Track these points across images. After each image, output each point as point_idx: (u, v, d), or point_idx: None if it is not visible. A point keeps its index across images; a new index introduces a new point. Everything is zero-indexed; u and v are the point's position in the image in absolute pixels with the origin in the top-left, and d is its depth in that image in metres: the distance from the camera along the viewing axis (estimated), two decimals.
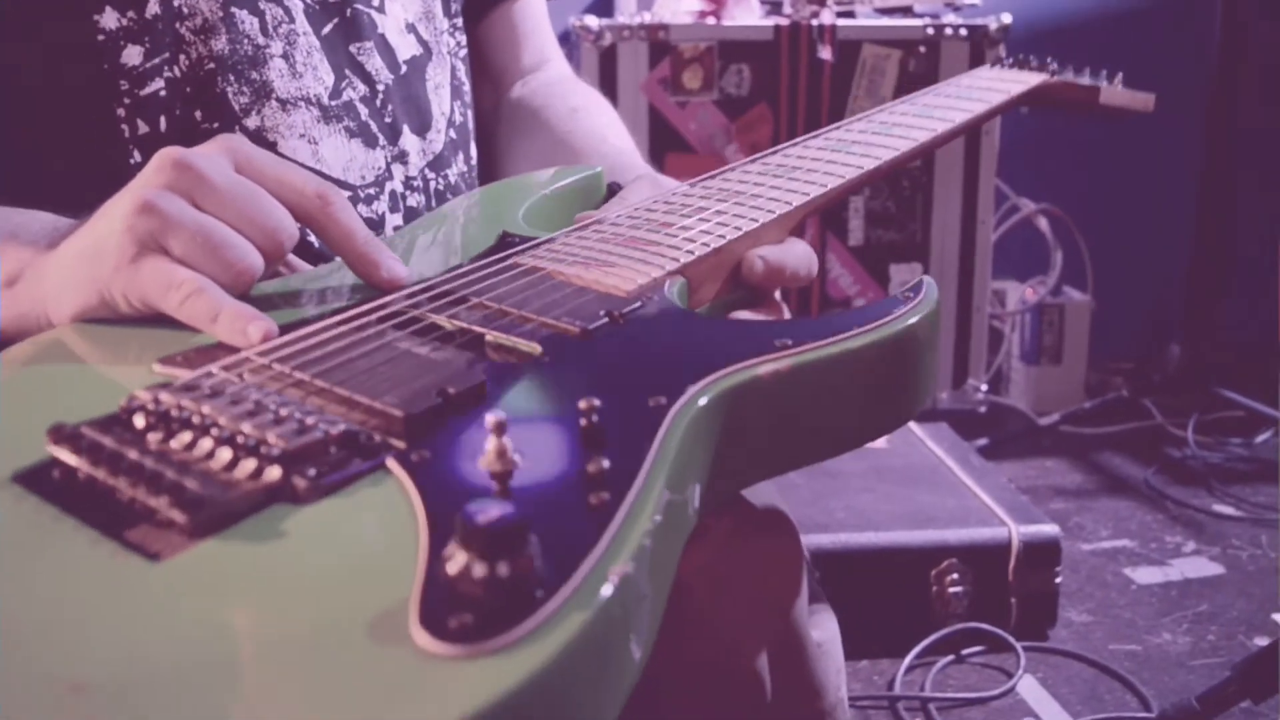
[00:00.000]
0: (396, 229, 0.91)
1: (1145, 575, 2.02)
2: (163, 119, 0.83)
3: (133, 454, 0.51)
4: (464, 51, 1.03)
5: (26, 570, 0.48)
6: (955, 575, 1.78)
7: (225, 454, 0.52)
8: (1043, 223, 2.81)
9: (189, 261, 0.65)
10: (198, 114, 0.84)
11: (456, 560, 0.43)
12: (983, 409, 2.49)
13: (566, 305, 0.68)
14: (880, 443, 2.12)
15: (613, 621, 0.44)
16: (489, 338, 0.64)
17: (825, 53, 2.35)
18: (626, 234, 0.78)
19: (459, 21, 1.02)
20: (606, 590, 0.44)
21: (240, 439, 0.52)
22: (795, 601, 0.80)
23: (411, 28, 0.96)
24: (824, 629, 0.92)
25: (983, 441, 2.50)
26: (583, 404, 0.53)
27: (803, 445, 0.66)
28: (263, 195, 0.68)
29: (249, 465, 0.51)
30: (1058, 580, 1.81)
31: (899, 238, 2.45)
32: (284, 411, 0.54)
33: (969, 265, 2.46)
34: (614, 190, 0.93)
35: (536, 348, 0.63)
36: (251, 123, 0.85)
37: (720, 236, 0.77)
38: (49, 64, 0.82)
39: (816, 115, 2.36)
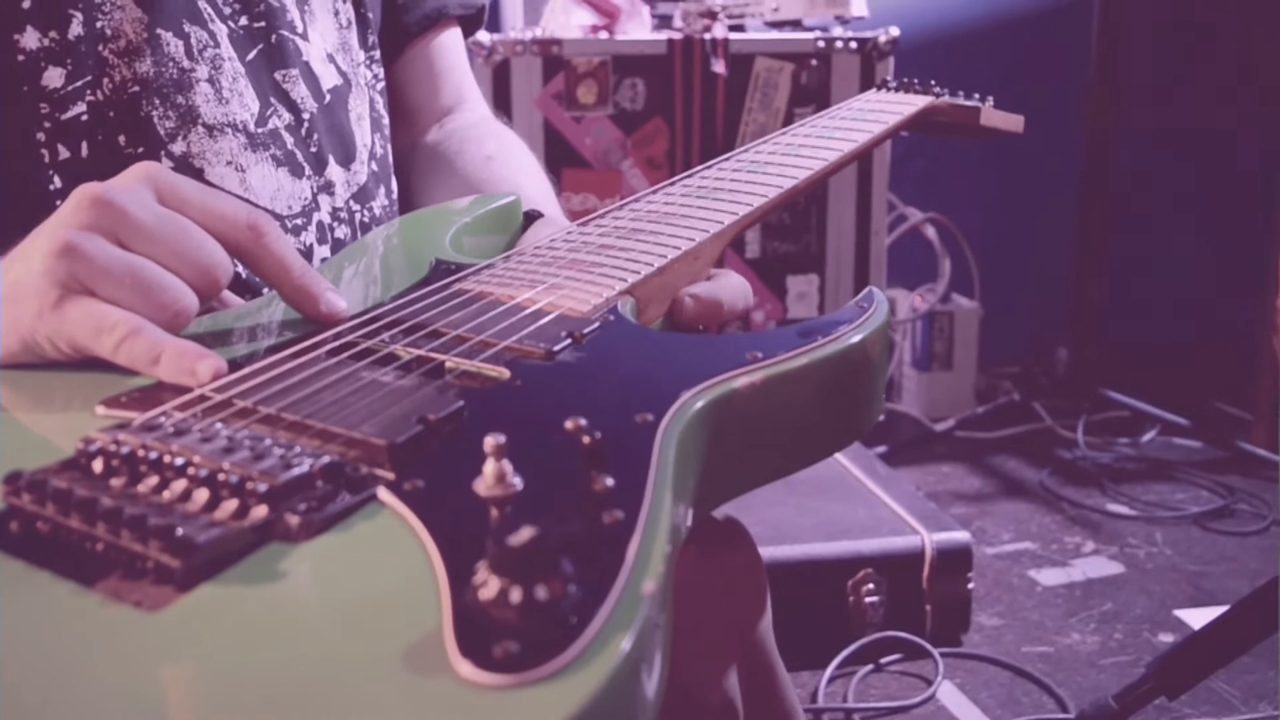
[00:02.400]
0: (324, 261, 0.88)
1: (1049, 577, 2.06)
2: (84, 144, 0.79)
3: (106, 499, 0.48)
4: (381, 85, 1.01)
5: (9, 630, 0.43)
6: (871, 585, 1.79)
7: (202, 494, 0.49)
8: (930, 231, 2.85)
9: (118, 304, 0.61)
10: (121, 139, 0.80)
11: (490, 586, 0.41)
12: (880, 417, 2.51)
13: (524, 328, 0.66)
14: None
15: (650, 640, 0.43)
16: (450, 364, 0.62)
17: (718, 66, 2.35)
18: (566, 257, 0.77)
19: (376, 54, 1.00)
20: (643, 608, 0.42)
21: (220, 477, 0.49)
22: (761, 618, 0.79)
23: (331, 58, 0.94)
24: None
25: (881, 449, 2.53)
26: (570, 424, 0.51)
27: (777, 458, 0.66)
28: (192, 229, 0.64)
29: (230, 505, 0.48)
30: (970, 586, 1.83)
31: (795, 249, 2.46)
32: (260, 446, 0.51)
33: (864, 276, 2.48)
34: (531, 217, 0.92)
35: (504, 372, 0.61)
36: (177, 148, 0.81)
37: (662, 255, 0.76)
38: None
39: (712, 128, 2.36)
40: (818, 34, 2.41)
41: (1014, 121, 1.12)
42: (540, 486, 0.49)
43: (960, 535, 1.83)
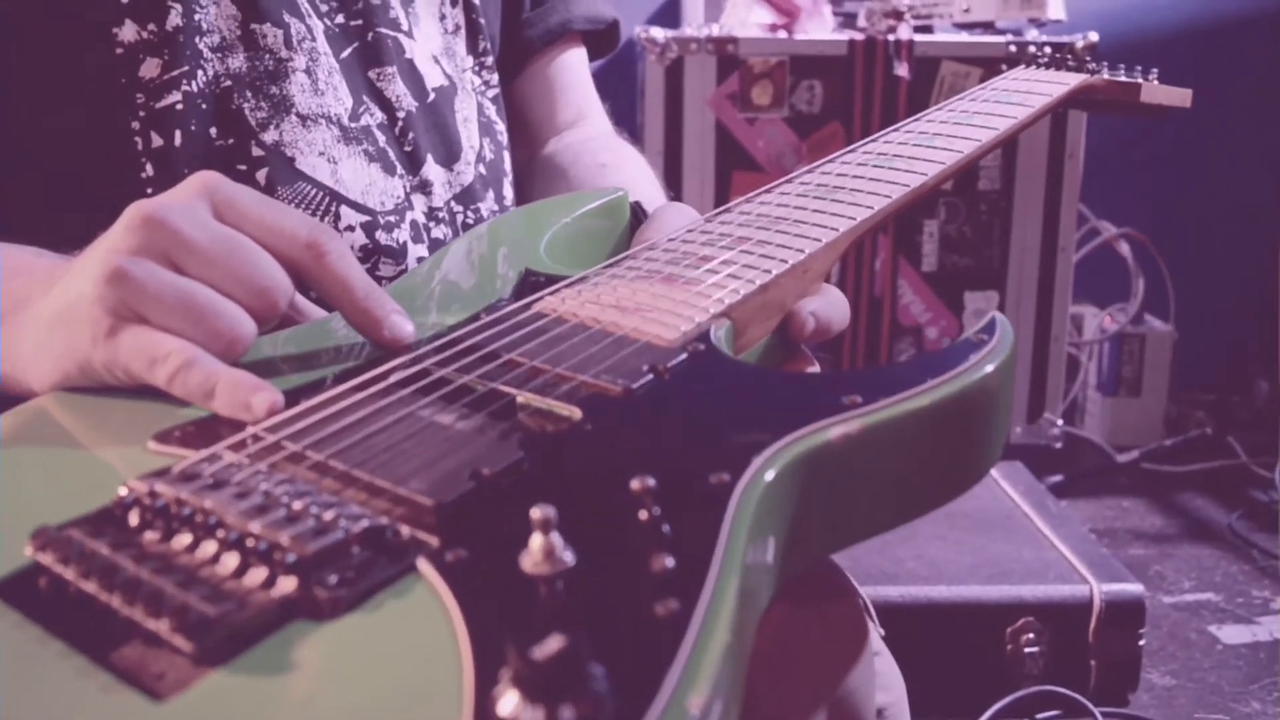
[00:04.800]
0: (421, 259, 0.86)
1: (1232, 634, 1.91)
2: (178, 133, 0.79)
3: (128, 564, 0.45)
4: (493, 92, 0.99)
5: (7, 710, 0.41)
6: (1032, 635, 1.68)
7: (232, 560, 0.46)
8: (1124, 247, 2.69)
9: (172, 331, 0.59)
10: (213, 130, 0.80)
11: (507, 701, 0.37)
12: (1058, 445, 2.38)
13: (605, 360, 0.61)
14: None
15: None
16: (523, 400, 0.58)
17: (901, 69, 2.25)
18: (663, 270, 0.71)
19: (487, 61, 0.98)
20: None
21: (249, 541, 0.46)
22: (855, 681, 0.71)
23: (436, 60, 0.93)
24: (890, 690, 0.84)
25: (1057, 478, 2.40)
26: (636, 484, 0.46)
27: (875, 513, 0.59)
28: (249, 250, 0.61)
29: (259, 574, 0.45)
30: (1141, 642, 1.70)
31: (974, 264, 2.34)
32: (297, 505, 0.48)
33: (1048, 294, 2.35)
34: (637, 212, 0.88)
35: (576, 412, 0.56)
36: (269, 137, 0.81)
37: (766, 271, 0.70)
38: (64, 77, 0.79)
39: None
40: (1009, 37, 2.29)
41: (1179, 96, 1.02)
42: (593, 561, 0.44)
43: (1133, 587, 1.70)
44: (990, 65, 2.26)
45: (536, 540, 0.42)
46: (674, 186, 2.22)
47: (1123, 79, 1.00)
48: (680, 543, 0.45)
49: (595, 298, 0.68)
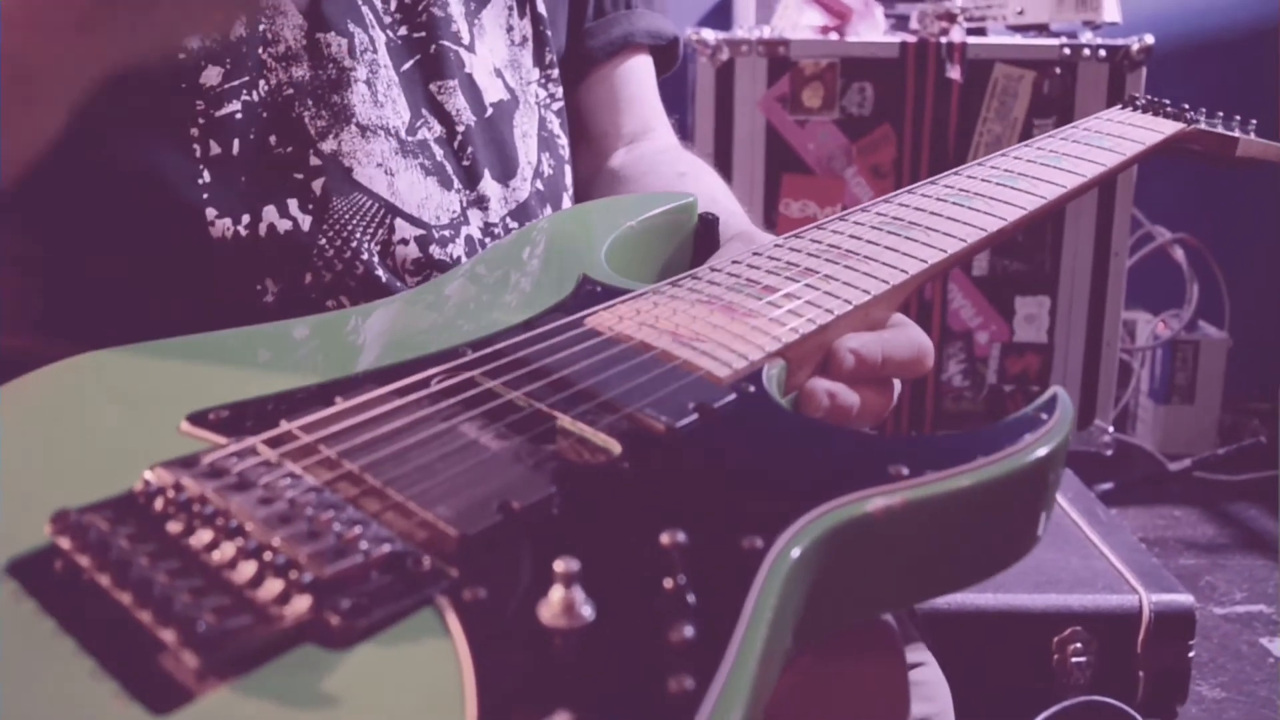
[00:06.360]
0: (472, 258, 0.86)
1: None
2: (236, 141, 0.79)
3: (143, 562, 0.45)
4: (557, 105, 0.98)
5: (11, 709, 0.41)
6: (1079, 644, 1.66)
7: (249, 568, 0.45)
8: (1178, 253, 2.66)
9: None
10: (272, 138, 0.79)
11: None
12: (1109, 452, 2.36)
13: (653, 392, 0.60)
14: None
15: None
16: (564, 424, 0.57)
17: (954, 72, 2.23)
18: (725, 295, 0.69)
19: (553, 74, 0.97)
20: None
21: (265, 556, 0.46)
22: None
23: (499, 73, 0.92)
24: (935, 699, 0.84)
25: (1107, 486, 2.37)
26: (665, 538, 0.45)
27: (908, 587, 0.57)
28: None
29: (275, 586, 0.45)
30: (1190, 654, 1.68)
31: (1026, 269, 2.32)
32: (322, 518, 0.48)
33: (1100, 300, 2.32)
34: (706, 221, 0.86)
35: (616, 447, 0.55)
36: (327, 146, 0.80)
37: (828, 310, 0.67)
38: (125, 82, 0.76)
39: (943, 138, 2.24)
40: (1064, 40, 2.26)
41: (1276, 151, 0.99)
42: (612, 619, 0.43)
43: (1183, 598, 1.68)
44: (1044, 68, 2.24)
45: (557, 592, 0.42)
46: None
47: (1220, 131, 0.96)
48: (703, 611, 0.44)
49: (653, 320, 0.67)
